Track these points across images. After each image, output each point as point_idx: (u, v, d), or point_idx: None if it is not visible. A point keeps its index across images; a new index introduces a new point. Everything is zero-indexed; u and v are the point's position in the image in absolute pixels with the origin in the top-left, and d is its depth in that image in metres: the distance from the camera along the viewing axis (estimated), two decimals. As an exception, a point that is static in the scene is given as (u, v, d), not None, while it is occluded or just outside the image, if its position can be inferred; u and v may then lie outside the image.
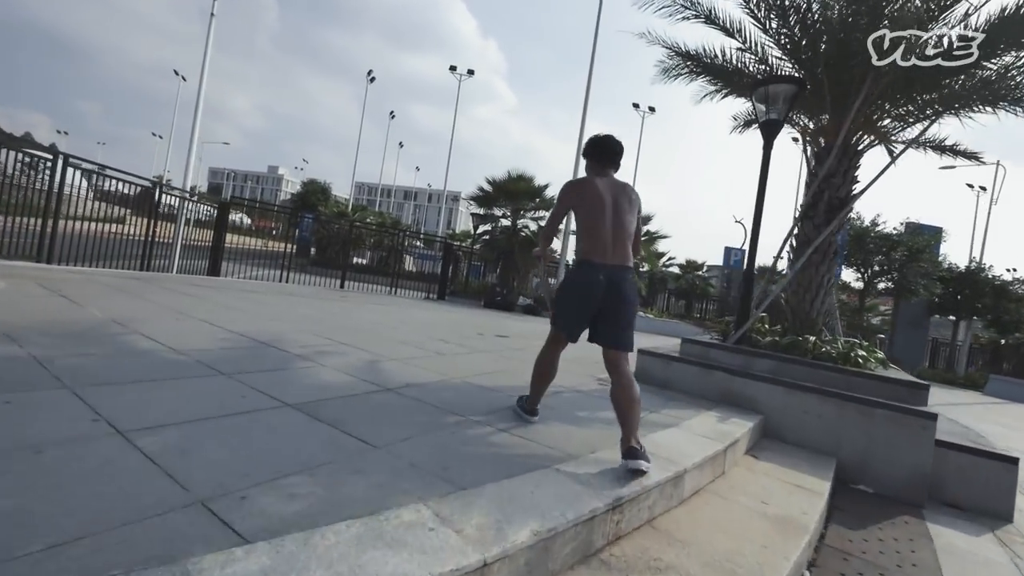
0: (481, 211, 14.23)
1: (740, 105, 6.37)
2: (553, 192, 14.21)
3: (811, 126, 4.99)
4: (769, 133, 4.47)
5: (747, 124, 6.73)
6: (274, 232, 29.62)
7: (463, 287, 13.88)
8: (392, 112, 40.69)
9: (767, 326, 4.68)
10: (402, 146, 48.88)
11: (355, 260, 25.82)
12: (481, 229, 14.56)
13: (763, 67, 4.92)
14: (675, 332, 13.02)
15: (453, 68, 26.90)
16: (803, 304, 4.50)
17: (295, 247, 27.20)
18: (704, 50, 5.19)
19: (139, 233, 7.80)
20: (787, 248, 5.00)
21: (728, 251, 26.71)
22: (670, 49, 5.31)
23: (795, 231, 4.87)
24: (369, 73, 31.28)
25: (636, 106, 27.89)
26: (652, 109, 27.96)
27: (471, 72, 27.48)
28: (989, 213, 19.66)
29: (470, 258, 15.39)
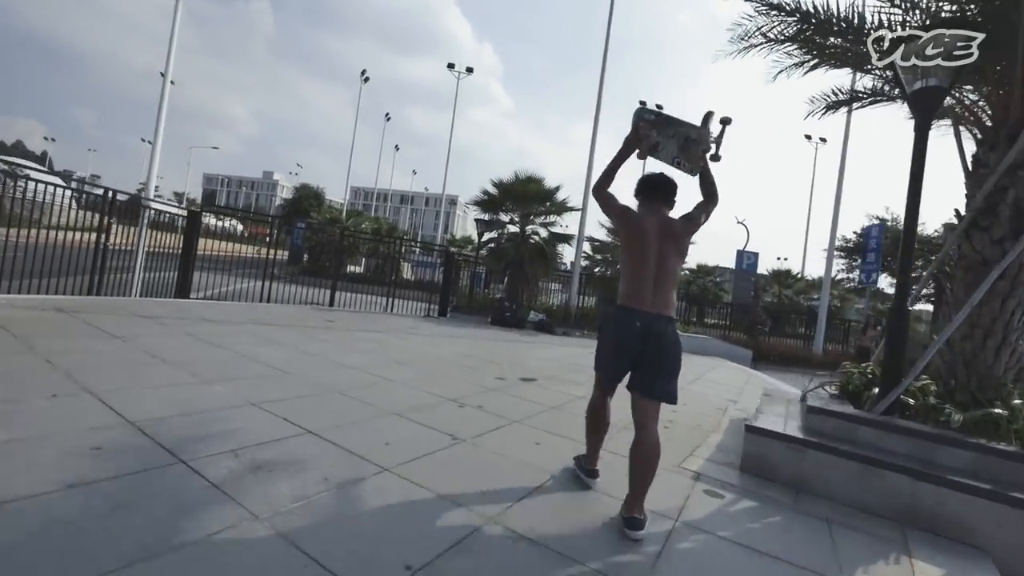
0: (486, 216, 12.86)
1: (823, 83, 4.95)
2: (565, 195, 12.88)
3: (976, 100, 3.62)
4: (926, 106, 3.11)
5: (831, 107, 5.36)
6: (268, 240, 28.29)
7: (467, 301, 12.49)
8: (388, 114, 39.40)
9: (922, 384, 3.29)
10: (398, 149, 47.55)
11: (350, 269, 24.49)
12: (486, 237, 13.19)
13: (902, 14, 3.55)
14: (711, 350, 11.68)
15: (451, 66, 25.59)
16: (982, 354, 3.11)
17: (287, 255, 25.97)
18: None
19: (90, 244, 6.45)
20: (934, 270, 3.61)
21: (740, 254, 25.39)
22: (758, 1, 3.95)
23: (956, 247, 3.50)
24: (363, 73, 29.96)
25: (643, 103, 26.58)
26: (660, 107, 26.66)
27: (470, 70, 26.18)
28: None
29: (474, 267, 14.00)
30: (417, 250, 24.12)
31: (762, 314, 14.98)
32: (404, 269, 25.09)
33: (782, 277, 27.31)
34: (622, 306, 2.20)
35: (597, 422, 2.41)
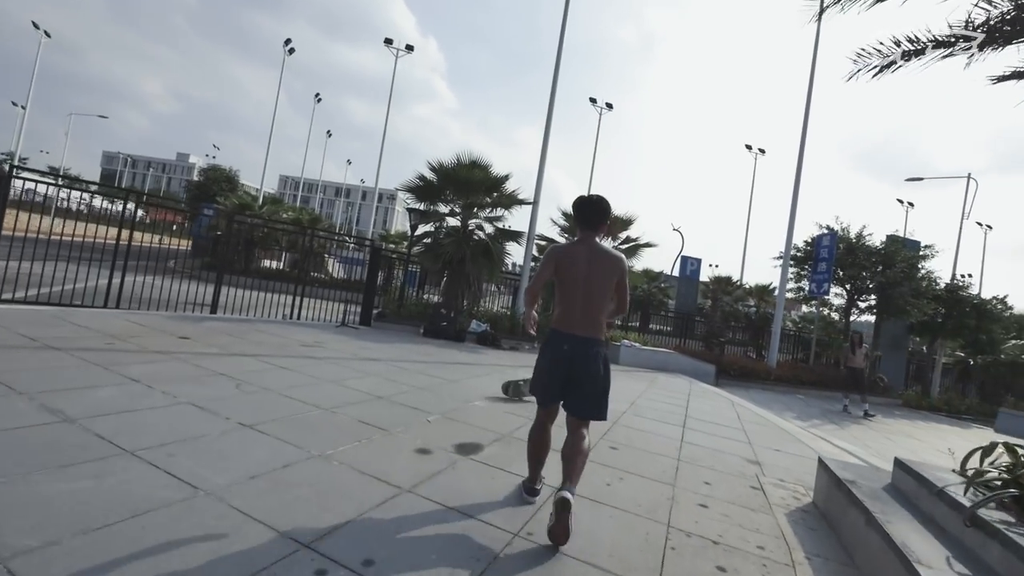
0: (420, 206, 10.78)
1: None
2: (516, 186, 11.12)
3: None
4: None
5: (886, 67, 3.98)
6: (175, 228, 23.97)
7: (395, 308, 10.34)
8: (318, 95, 35.72)
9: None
10: (330, 135, 43.61)
11: (268, 265, 21.21)
12: (421, 230, 11.12)
13: None
14: (674, 366, 10.39)
15: (388, 41, 23.04)
16: None
17: (190, 246, 22.06)
18: None
19: None
20: None
21: (684, 260, 25.09)
22: None
23: None
24: (287, 43, 26.51)
25: (594, 101, 25.65)
26: (610, 105, 25.86)
27: (410, 48, 23.76)
28: (961, 228, 19.39)
29: (406, 266, 11.85)
30: (351, 244, 21.36)
31: (720, 323, 14.17)
32: (330, 266, 22.23)
33: (723, 284, 27.44)
34: (554, 329, 2.37)
35: (539, 446, 2.47)
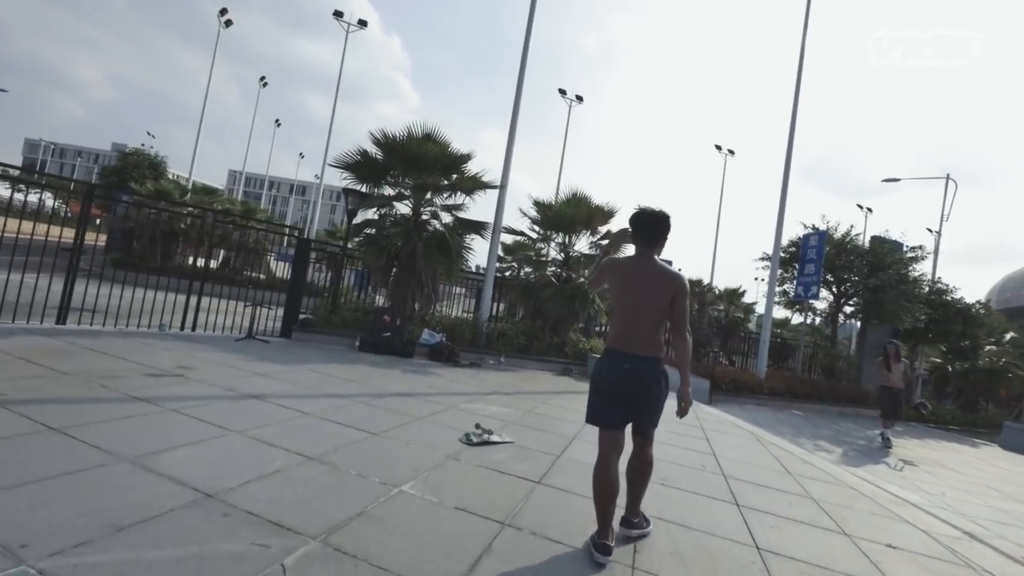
0: (362, 187, 8.70)
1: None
2: (479, 168, 9.28)
3: None
4: None
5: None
6: (97, 220, 20.40)
7: (327, 314, 8.19)
8: (264, 79, 32.50)
9: None
10: (279, 124, 40.17)
11: (192, 261, 18.31)
12: (361, 217, 9.04)
13: None
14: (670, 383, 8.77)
15: (338, 14, 20.59)
16: None
17: (106, 240, 18.78)
18: None
19: None
20: None
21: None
22: None
23: None
24: (223, 14, 23.54)
25: (563, 92, 24.18)
26: (580, 98, 24.47)
27: (363, 23, 21.41)
28: (940, 230, 19.07)
29: (342, 262, 9.71)
30: (286, 237, 18.83)
31: (708, 331, 12.84)
32: (269, 264, 19.53)
33: (694, 287, 26.56)
34: (609, 348, 2.33)
35: (606, 486, 2.18)
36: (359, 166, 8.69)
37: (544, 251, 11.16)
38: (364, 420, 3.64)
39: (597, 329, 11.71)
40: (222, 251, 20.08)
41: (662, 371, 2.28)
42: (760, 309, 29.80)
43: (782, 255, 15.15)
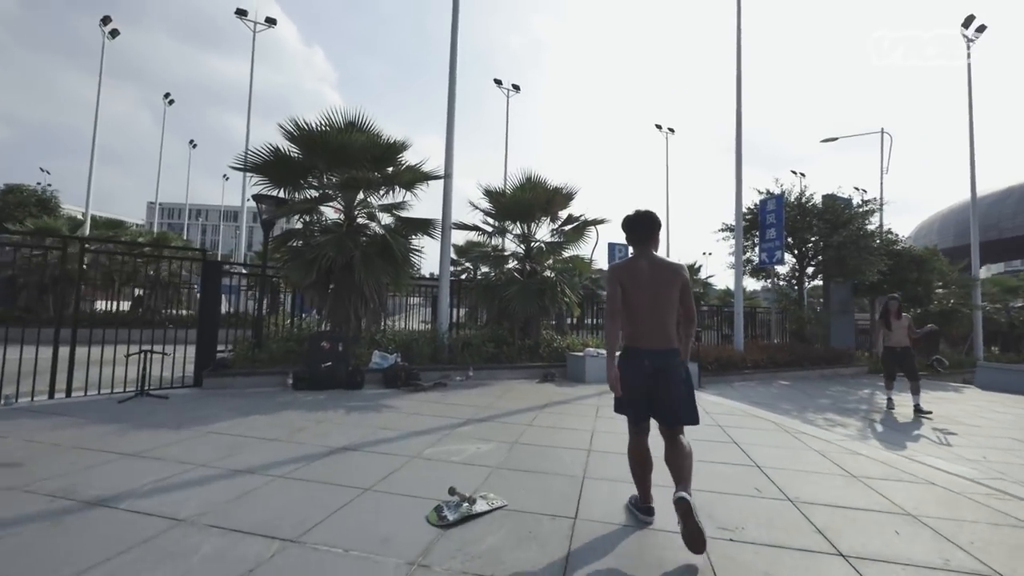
0: (279, 192, 7.23)
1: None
2: (418, 159, 8.01)
3: None
4: None
5: None
6: None
7: (248, 350, 6.66)
8: (169, 95, 29.33)
9: None
10: (194, 145, 36.67)
11: (102, 305, 15.76)
12: (283, 228, 7.55)
13: None
14: None
15: (242, 12, 18.49)
16: None
17: None
18: None
19: None
20: None
21: (612, 248, 23.58)
22: None
23: None
24: (105, 23, 20.75)
25: (499, 82, 23.19)
26: (516, 87, 23.58)
27: (270, 21, 19.37)
28: (881, 183, 19.55)
29: (276, 286, 8.17)
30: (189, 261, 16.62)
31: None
32: (185, 299, 17.14)
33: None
34: (630, 347, 2.38)
35: (642, 463, 2.46)
36: (271, 167, 7.23)
37: (501, 245, 10.08)
38: (280, 513, 2.39)
39: (570, 322, 10.77)
40: (137, 290, 17.54)
41: (683, 363, 2.39)
42: (717, 282, 30.21)
43: (744, 223, 14.89)
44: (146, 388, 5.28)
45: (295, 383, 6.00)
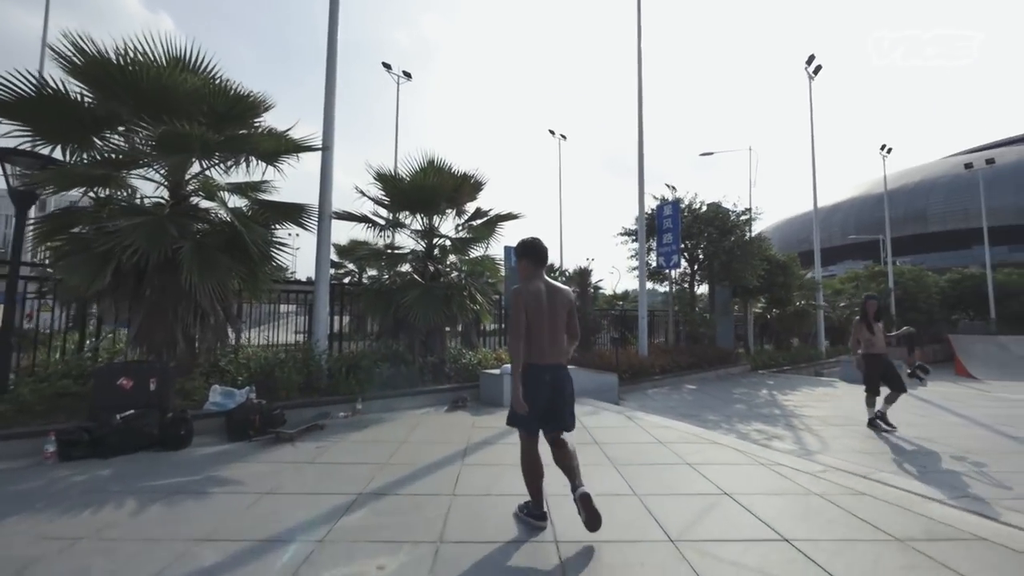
0: (51, 150, 4.67)
1: None
2: (278, 123, 6.03)
3: None
4: None
5: None
6: None
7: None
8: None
9: None
10: None
11: None
12: (55, 205, 5.00)
13: None
14: (579, 388, 6.81)
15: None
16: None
17: None
18: None
19: None
20: None
21: (508, 251, 22.93)
22: None
23: None
24: None
25: (387, 67, 21.05)
26: (408, 74, 21.67)
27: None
28: (750, 195, 21.50)
29: (11, 294, 5.46)
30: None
31: (597, 316, 11.59)
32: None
33: (578, 277, 26.30)
34: (531, 364, 2.55)
35: (538, 470, 2.63)
36: (33, 109, 4.69)
37: (393, 243, 8.35)
38: None
39: (481, 330, 9.43)
40: None
41: (570, 376, 2.70)
42: (607, 288, 31.38)
43: (635, 228, 15.04)
44: None
45: (62, 450, 3.72)
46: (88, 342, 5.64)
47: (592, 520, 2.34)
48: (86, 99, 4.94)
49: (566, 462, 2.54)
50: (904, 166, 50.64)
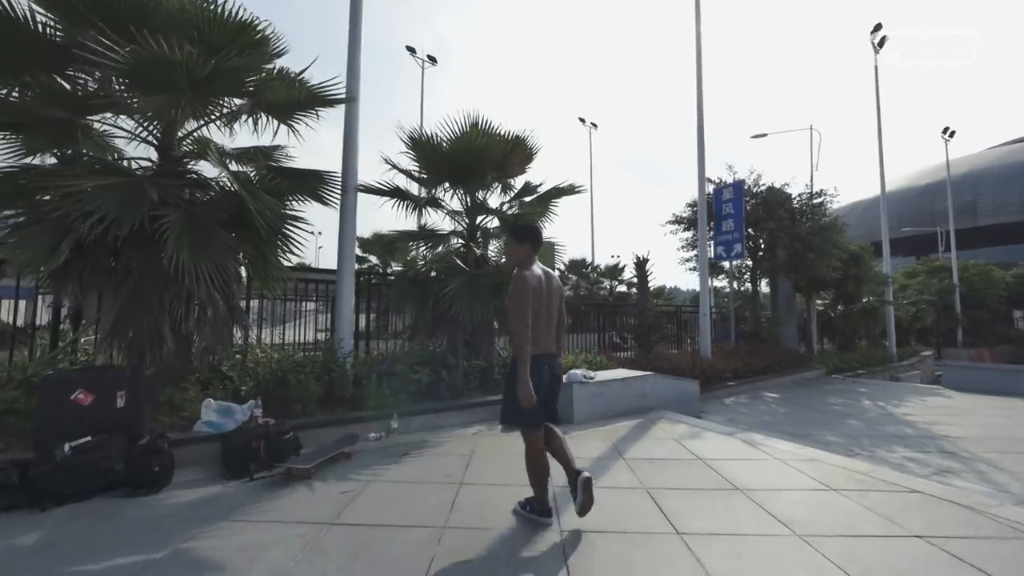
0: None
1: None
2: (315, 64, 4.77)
3: None
4: None
5: None
6: None
7: None
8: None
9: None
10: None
11: None
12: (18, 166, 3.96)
13: None
14: (654, 397, 5.52)
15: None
16: None
17: None
18: None
19: None
20: None
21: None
22: None
23: None
24: None
25: (412, 51, 19.97)
26: (433, 59, 20.56)
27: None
28: (812, 179, 19.66)
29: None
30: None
31: (656, 319, 10.09)
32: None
33: (579, 267, 24.89)
34: (537, 354, 2.42)
35: (546, 465, 2.54)
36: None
37: (427, 223, 7.05)
38: None
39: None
40: None
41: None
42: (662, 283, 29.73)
43: (689, 215, 13.49)
44: None
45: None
46: (59, 344, 4.54)
47: (586, 505, 2.36)
48: (48, 28, 3.82)
49: (561, 447, 2.52)
50: (922, 164, 47.38)
